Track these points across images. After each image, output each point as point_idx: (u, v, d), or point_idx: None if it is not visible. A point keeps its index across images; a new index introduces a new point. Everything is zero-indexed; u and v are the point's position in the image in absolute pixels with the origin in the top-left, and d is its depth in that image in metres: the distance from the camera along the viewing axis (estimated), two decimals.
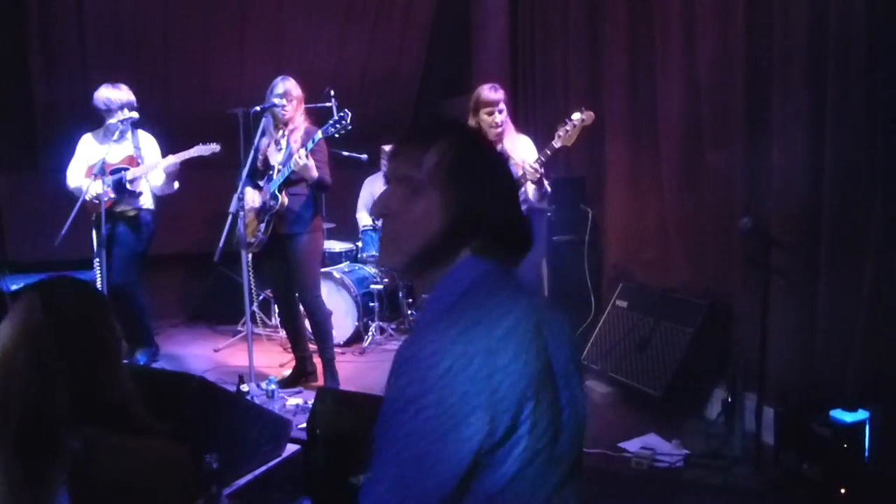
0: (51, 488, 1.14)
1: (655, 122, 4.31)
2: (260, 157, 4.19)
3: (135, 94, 4.47)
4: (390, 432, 0.97)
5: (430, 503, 0.96)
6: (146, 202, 4.54)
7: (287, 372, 4.52)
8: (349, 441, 2.75)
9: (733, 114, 3.67)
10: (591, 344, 4.38)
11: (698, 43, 3.90)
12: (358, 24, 6.41)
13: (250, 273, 5.29)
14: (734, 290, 3.71)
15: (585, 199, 4.74)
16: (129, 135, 4.48)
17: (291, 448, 2.88)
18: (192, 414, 2.31)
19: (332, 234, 5.93)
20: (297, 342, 4.46)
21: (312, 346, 4.52)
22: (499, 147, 3.87)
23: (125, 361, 1.47)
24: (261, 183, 4.20)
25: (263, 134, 4.17)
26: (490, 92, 3.87)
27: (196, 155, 4.36)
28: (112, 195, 4.37)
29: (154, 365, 4.68)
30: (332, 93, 4.72)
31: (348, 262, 5.81)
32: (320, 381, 4.35)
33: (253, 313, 5.34)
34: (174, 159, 4.39)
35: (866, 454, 2.75)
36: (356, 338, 5.40)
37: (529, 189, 3.76)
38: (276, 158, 4.14)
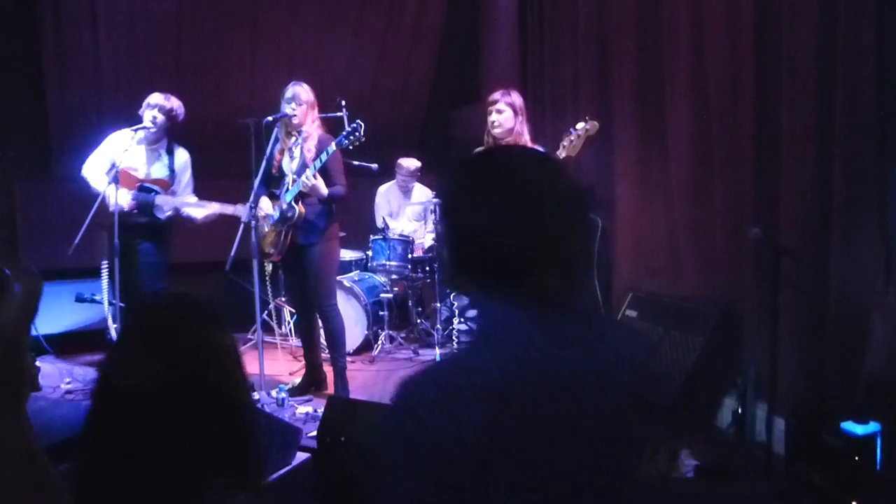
0: None
1: (664, 131, 4.32)
2: (274, 164, 4.22)
3: None
4: None
5: None
6: (166, 215, 4.43)
7: (297, 380, 4.53)
8: (360, 450, 2.76)
9: (742, 123, 3.67)
10: None
11: (708, 53, 3.91)
12: (369, 34, 6.46)
13: (268, 281, 5.33)
14: (744, 300, 3.70)
15: (595, 209, 4.75)
16: (164, 148, 4.37)
17: (301, 456, 2.89)
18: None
19: (341, 243, 5.95)
20: (310, 350, 4.48)
21: (324, 355, 4.54)
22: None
23: None
24: (276, 191, 4.23)
25: (276, 141, 4.20)
26: (496, 93, 3.96)
27: (235, 214, 4.18)
28: (135, 212, 4.25)
29: None
30: (343, 102, 4.75)
31: (358, 271, 5.83)
32: (331, 390, 4.36)
33: (263, 321, 5.36)
34: (218, 208, 4.27)
35: (878, 466, 2.74)
36: (366, 346, 5.41)
37: None
38: (289, 167, 4.17)
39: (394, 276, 5.60)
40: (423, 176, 6.14)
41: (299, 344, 4.97)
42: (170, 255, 4.54)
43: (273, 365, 4.93)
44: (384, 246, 5.54)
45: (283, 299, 5.60)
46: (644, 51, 4.49)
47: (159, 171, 4.36)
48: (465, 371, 0.96)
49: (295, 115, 4.07)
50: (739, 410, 3.33)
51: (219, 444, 1.10)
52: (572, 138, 3.72)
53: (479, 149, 4.06)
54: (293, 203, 4.06)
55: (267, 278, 5.35)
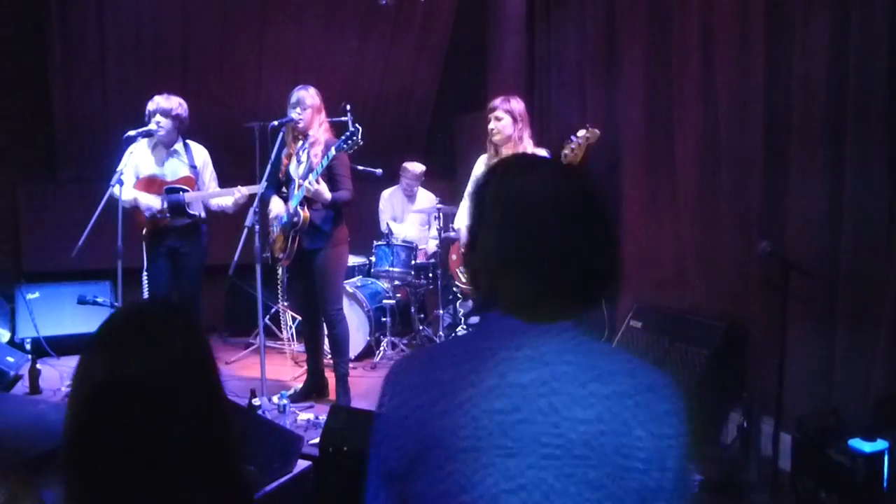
0: None
1: (672, 141, 4.30)
2: (281, 169, 4.21)
3: None
4: None
5: None
6: (200, 211, 4.50)
7: (299, 385, 4.51)
8: (361, 459, 2.74)
9: (752, 140, 3.65)
10: None
11: (717, 69, 3.89)
12: (375, 41, 6.46)
13: (281, 287, 5.31)
14: (750, 313, 3.67)
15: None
16: (180, 147, 4.42)
17: (302, 464, 2.87)
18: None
19: None
20: (313, 356, 4.46)
21: (326, 360, 4.52)
22: (496, 156, 3.91)
23: None
24: (285, 195, 4.23)
25: (283, 146, 4.19)
26: (496, 100, 3.98)
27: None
28: (168, 215, 4.31)
29: None
30: (349, 108, 4.74)
31: (361, 277, 5.82)
32: (332, 396, 4.34)
33: (266, 326, 5.34)
34: (246, 191, 4.29)
35: (885, 484, 2.71)
36: (367, 353, 5.38)
37: None
38: (296, 172, 4.16)
39: (396, 282, 5.58)
40: (427, 181, 6.12)
41: (301, 349, 4.96)
42: (206, 259, 4.56)
43: (275, 370, 4.91)
44: (387, 252, 5.52)
45: (286, 304, 5.58)
46: (653, 60, 4.47)
47: (181, 170, 4.42)
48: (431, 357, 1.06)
49: (301, 120, 4.07)
50: (745, 425, 3.30)
51: (195, 444, 1.11)
52: (573, 146, 3.71)
53: (484, 155, 4.06)
54: (298, 208, 4.05)
55: (279, 284, 5.34)
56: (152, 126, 4.26)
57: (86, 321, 4.41)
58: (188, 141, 4.48)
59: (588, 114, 5.11)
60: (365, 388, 4.68)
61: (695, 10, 4.04)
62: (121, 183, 4.05)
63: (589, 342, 1.01)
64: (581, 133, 3.71)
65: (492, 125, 3.93)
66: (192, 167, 4.42)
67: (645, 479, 0.95)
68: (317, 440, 3.08)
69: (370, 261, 5.86)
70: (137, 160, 4.35)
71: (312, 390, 4.41)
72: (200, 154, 4.50)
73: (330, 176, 4.06)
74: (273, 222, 4.24)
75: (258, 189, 4.05)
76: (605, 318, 4.53)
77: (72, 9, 5.40)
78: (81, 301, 4.01)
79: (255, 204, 4.01)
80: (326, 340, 4.47)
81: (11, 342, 5.17)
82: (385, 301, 5.45)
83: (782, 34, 3.43)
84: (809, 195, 3.26)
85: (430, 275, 5.54)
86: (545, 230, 1.00)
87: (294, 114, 4.08)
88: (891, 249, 2.92)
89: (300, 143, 4.17)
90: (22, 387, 4.45)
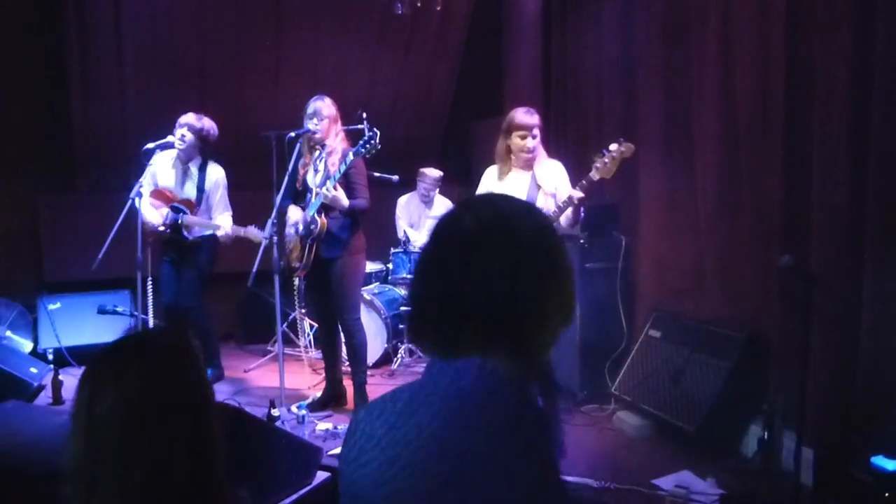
0: None
1: (691, 150, 4.26)
2: (298, 179, 4.22)
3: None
4: None
5: None
6: (198, 233, 4.58)
7: (317, 394, 4.52)
8: None
9: (772, 146, 3.60)
10: (623, 373, 4.33)
11: (736, 74, 3.84)
12: (391, 48, 6.46)
13: (298, 295, 5.33)
14: (771, 325, 3.63)
15: (619, 227, 4.70)
16: (196, 168, 4.50)
17: (322, 476, 2.88)
18: (227, 445, 2.32)
19: None
20: (331, 365, 4.47)
21: (345, 369, 4.53)
22: (528, 173, 3.85)
23: None
24: (302, 205, 4.24)
25: (300, 156, 4.20)
26: (525, 116, 3.78)
27: (246, 236, 4.38)
28: (168, 231, 4.46)
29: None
30: (364, 115, 4.74)
31: (378, 283, 5.82)
32: (351, 405, 4.35)
33: (283, 333, 5.37)
34: (230, 231, 4.42)
35: None
36: (385, 360, 5.39)
37: (562, 216, 3.72)
38: (313, 181, 4.17)
39: None
40: (442, 188, 6.12)
41: (319, 356, 4.97)
42: (209, 271, 4.66)
43: (293, 378, 4.92)
44: (405, 259, 5.53)
45: (304, 311, 5.60)
46: (671, 68, 4.44)
47: (189, 190, 4.53)
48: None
49: (317, 131, 4.08)
50: (766, 437, 3.27)
51: (179, 470, 1.21)
52: (606, 160, 3.55)
53: (493, 167, 4.00)
54: (316, 216, 4.07)
55: (295, 294, 5.36)
56: (172, 139, 4.33)
57: (106, 331, 4.45)
58: (209, 161, 4.54)
59: (605, 121, 5.09)
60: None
61: (713, 14, 4.00)
62: (139, 195, 4.10)
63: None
64: (614, 147, 3.56)
65: (529, 144, 3.77)
66: (200, 190, 4.51)
67: None
68: (336, 450, 3.08)
69: (387, 268, 5.86)
70: (156, 172, 4.46)
71: (331, 399, 4.43)
72: (213, 176, 4.58)
73: (347, 184, 4.07)
74: (290, 230, 4.25)
75: (248, 234, 4.32)
76: (624, 328, 4.50)
77: (90, 22, 5.45)
78: (101, 311, 4.04)
79: (274, 215, 4.03)
80: (344, 349, 4.47)
81: (34, 352, 5.23)
82: (402, 308, 5.46)
83: (802, 37, 3.38)
84: (831, 204, 3.22)
85: None
86: (430, 274, 1.06)
87: (311, 124, 4.10)
88: None
89: (317, 152, 4.19)
90: (45, 397, 4.49)
